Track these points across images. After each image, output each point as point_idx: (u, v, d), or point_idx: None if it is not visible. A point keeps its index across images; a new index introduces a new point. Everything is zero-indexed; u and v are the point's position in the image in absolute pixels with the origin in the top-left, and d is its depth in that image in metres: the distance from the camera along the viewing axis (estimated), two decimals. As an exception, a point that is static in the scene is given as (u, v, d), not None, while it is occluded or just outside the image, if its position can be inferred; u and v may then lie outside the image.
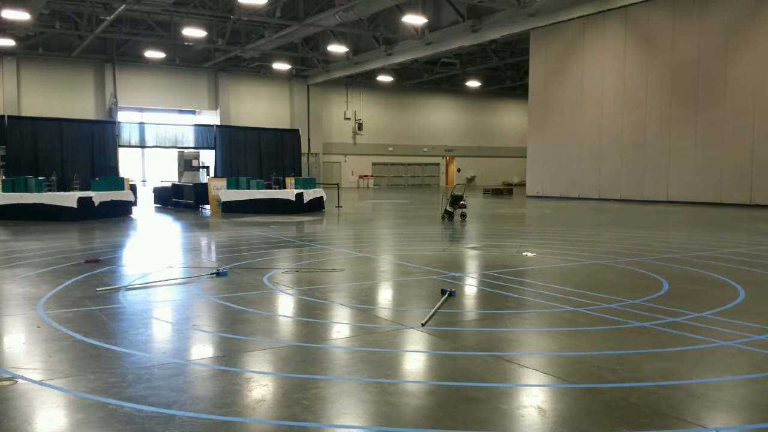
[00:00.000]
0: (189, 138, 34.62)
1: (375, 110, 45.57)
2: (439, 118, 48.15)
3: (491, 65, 38.21)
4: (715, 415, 3.47)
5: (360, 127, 45.00)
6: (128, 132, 32.63)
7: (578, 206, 22.80)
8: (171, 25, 29.80)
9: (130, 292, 6.82)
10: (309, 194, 19.23)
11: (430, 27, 29.24)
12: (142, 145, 33.91)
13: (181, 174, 28.78)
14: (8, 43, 29.85)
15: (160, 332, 5.31)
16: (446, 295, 6.36)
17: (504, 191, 33.84)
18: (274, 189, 19.81)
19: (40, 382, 3.91)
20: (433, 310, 5.69)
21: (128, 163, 35.44)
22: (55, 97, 34.46)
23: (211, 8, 27.77)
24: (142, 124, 33.66)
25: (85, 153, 29.36)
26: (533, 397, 3.73)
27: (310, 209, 19.12)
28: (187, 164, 29.34)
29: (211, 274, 7.74)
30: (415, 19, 27.71)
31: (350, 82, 42.81)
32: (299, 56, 37.57)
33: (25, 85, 33.91)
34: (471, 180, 48.58)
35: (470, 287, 7.44)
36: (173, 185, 23.65)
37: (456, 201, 15.66)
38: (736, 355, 4.41)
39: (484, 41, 29.00)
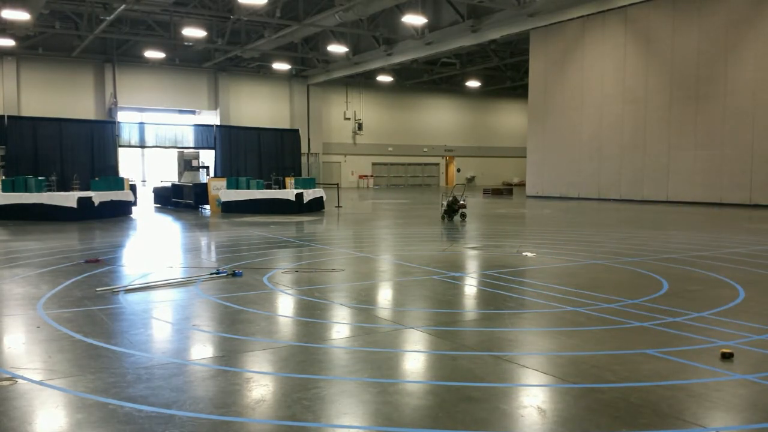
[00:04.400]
0: (189, 138, 34.58)
1: (375, 110, 45.57)
2: (439, 118, 48.15)
3: (491, 65, 38.22)
4: (715, 415, 3.47)
5: (360, 127, 45.00)
6: (128, 132, 32.58)
7: (578, 206, 22.80)
8: (171, 25, 29.80)
9: (129, 292, 6.82)
10: (309, 194, 19.22)
11: (430, 27, 29.24)
12: (142, 145, 33.87)
13: (181, 174, 28.75)
14: (8, 43, 29.86)
15: (160, 332, 5.31)
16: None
17: (504, 191, 33.83)
18: (274, 189, 19.81)
19: (40, 382, 3.91)
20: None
21: (128, 163, 35.43)
22: (55, 97, 34.47)
23: (211, 8, 27.77)
24: (142, 124, 33.63)
25: (85, 153, 29.32)
26: (533, 397, 3.73)
27: (309, 209, 19.11)
28: (187, 164, 29.31)
29: (227, 274, 7.70)
30: (415, 19, 27.71)
31: (350, 82, 42.81)
32: (299, 56, 37.58)
33: (25, 85, 33.92)
34: (471, 180, 48.57)
35: (470, 287, 7.44)
36: (173, 185, 23.64)
37: (456, 201, 15.66)
38: (736, 355, 4.41)
39: (484, 41, 29.00)
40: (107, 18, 26.91)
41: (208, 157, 34.75)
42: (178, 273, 8.06)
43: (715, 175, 22.64)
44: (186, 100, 38.73)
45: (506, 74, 41.77)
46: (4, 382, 3.90)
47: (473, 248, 10.80)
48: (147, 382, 3.91)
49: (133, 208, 19.36)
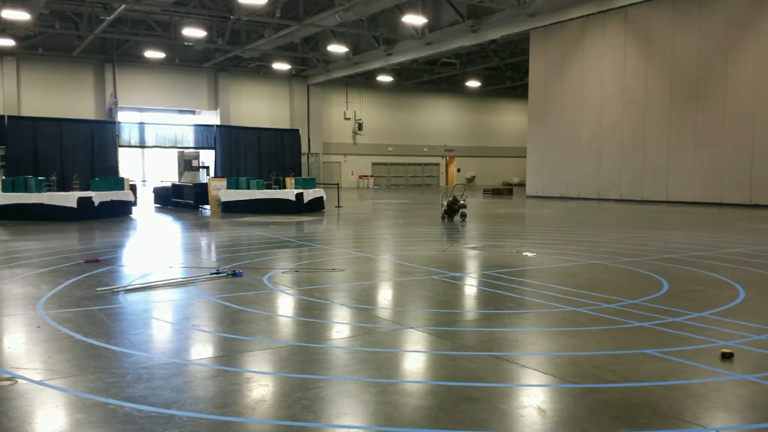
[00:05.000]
0: (189, 138, 34.60)
1: (375, 110, 45.57)
2: (439, 118, 48.15)
3: (491, 65, 38.22)
4: (715, 415, 3.47)
5: (360, 127, 45.00)
6: (128, 132, 32.60)
7: (578, 206, 22.79)
8: (171, 25, 29.80)
9: (129, 292, 6.82)
10: (309, 194, 19.23)
11: (430, 27, 29.24)
12: (142, 145, 33.89)
13: (181, 174, 28.77)
14: (8, 43, 29.86)
15: (160, 332, 5.31)
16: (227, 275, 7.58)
17: (504, 191, 33.84)
18: (274, 189, 19.81)
19: (40, 382, 3.91)
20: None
21: (128, 163, 35.43)
22: (55, 97, 34.47)
23: (211, 8, 27.77)
24: (142, 124, 33.65)
25: (85, 153, 29.34)
26: (533, 397, 3.73)
27: (310, 209, 19.11)
28: (187, 164, 29.32)
29: (227, 274, 7.70)
30: (415, 19, 27.71)
31: (350, 82, 42.81)
32: (299, 56, 37.58)
33: (25, 85, 33.92)
34: (471, 180, 48.58)
35: (470, 287, 7.44)
36: (173, 185, 23.65)
37: (456, 201, 15.67)
38: (736, 355, 4.41)
39: (484, 41, 29.00)
40: (107, 18, 26.91)
41: (208, 157, 34.78)
42: (178, 273, 8.06)
43: (715, 175, 22.65)
44: (186, 100, 38.73)
45: (506, 74, 41.77)
46: (4, 382, 3.90)
47: (473, 248, 10.80)
48: (147, 382, 3.91)
49: (133, 208, 19.35)
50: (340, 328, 5.42)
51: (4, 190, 17.11)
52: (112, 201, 17.57)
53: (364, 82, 42.98)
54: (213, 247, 11.38)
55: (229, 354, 4.58)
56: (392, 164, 47.19)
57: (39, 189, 17.12)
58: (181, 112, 39.21)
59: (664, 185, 24.27)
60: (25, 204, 16.56)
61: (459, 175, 48.58)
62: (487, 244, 11.39)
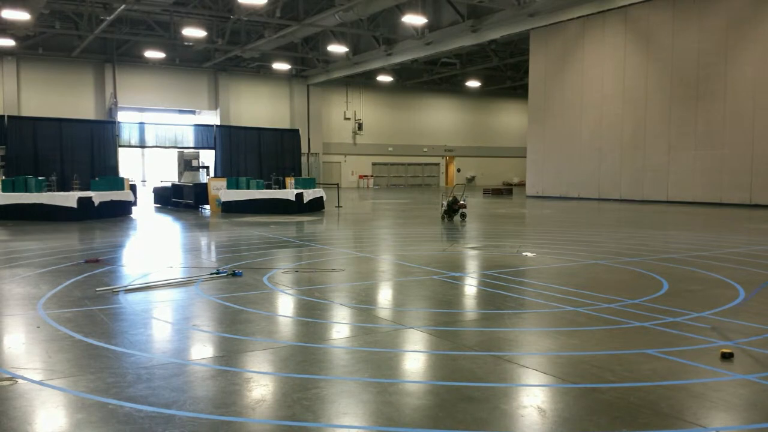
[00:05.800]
0: (189, 138, 34.59)
1: (375, 110, 45.58)
2: (439, 118, 48.15)
3: (491, 65, 38.23)
4: (715, 415, 3.47)
5: (360, 127, 45.01)
6: (128, 132, 32.59)
7: (578, 206, 22.79)
8: (171, 25, 29.80)
9: (129, 292, 6.82)
10: (309, 194, 19.23)
11: (430, 27, 29.25)
12: (142, 145, 33.89)
13: (181, 174, 28.76)
14: (8, 43, 29.87)
15: (160, 332, 5.31)
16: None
17: (504, 191, 33.84)
18: (274, 189, 19.81)
19: (40, 382, 3.91)
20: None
21: (128, 163, 35.43)
22: (55, 97, 34.48)
23: (211, 8, 27.78)
24: (142, 124, 33.64)
25: (85, 153, 29.32)
26: (533, 397, 3.73)
27: (310, 209, 19.12)
28: (187, 164, 29.29)
29: (227, 274, 7.70)
30: (415, 19, 27.71)
31: (350, 82, 42.82)
32: (299, 56, 37.59)
33: (25, 85, 33.92)
34: (471, 180, 48.58)
35: (470, 287, 7.44)
36: (173, 185, 23.64)
37: (456, 201, 15.67)
38: (736, 355, 4.41)
39: (484, 41, 29.01)
40: (107, 18, 26.91)
41: (208, 157, 34.76)
42: (178, 273, 8.06)
43: (715, 175, 22.65)
44: (186, 100, 38.74)
45: (506, 74, 41.77)
46: (4, 382, 3.90)
47: (473, 248, 10.80)
48: (147, 382, 3.91)
49: (133, 208, 19.36)
50: (340, 328, 5.42)
51: (4, 190, 17.11)
52: (112, 201, 17.57)
53: (364, 82, 42.98)
54: (213, 247, 11.38)
55: (229, 354, 4.58)
56: (392, 164, 47.20)
57: (39, 189, 17.13)
58: (181, 112, 39.22)
59: (664, 185, 24.27)
60: (25, 204, 16.56)
61: (459, 175, 48.59)
62: (487, 244, 11.39)
